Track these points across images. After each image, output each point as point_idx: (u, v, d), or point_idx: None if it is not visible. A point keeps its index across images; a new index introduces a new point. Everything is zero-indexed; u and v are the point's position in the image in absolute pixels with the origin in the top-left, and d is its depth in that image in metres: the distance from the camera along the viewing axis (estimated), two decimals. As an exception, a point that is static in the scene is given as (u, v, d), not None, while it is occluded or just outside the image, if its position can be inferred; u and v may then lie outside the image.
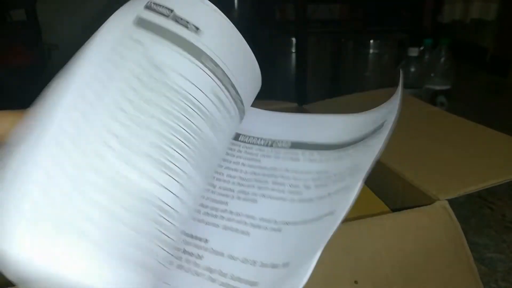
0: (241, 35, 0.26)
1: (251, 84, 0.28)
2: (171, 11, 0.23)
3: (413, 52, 1.03)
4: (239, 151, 0.31)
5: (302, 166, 0.29)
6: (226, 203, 0.28)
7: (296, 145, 0.31)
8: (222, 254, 0.25)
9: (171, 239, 0.22)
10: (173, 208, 0.22)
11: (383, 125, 0.27)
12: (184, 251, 0.26)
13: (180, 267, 0.25)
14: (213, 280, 0.23)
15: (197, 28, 0.24)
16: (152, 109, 0.21)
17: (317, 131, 0.31)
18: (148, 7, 0.23)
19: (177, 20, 0.23)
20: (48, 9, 1.58)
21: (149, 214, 0.20)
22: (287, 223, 0.25)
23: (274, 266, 0.23)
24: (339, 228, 0.30)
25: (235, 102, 0.26)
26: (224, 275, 0.24)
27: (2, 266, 0.17)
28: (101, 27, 0.22)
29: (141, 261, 0.20)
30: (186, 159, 0.22)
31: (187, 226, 0.25)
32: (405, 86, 1.19)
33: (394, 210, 0.37)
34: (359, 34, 1.31)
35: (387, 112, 0.28)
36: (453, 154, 0.42)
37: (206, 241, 0.26)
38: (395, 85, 0.30)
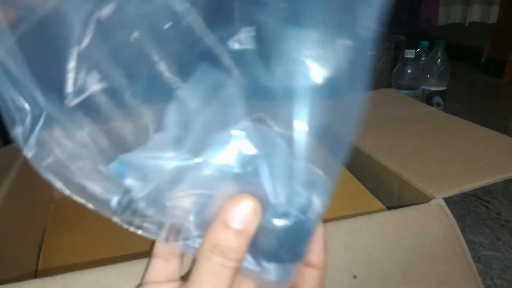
0: None
1: None
2: None
3: (410, 54, 1.04)
4: None
5: None
6: None
7: None
8: None
9: None
10: None
11: None
12: None
13: None
14: None
15: None
16: None
17: None
18: None
19: None
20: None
21: None
22: None
23: None
24: (337, 225, 0.31)
25: None
26: None
27: None
28: None
29: None
30: None
31: None
32: (402, 87, 1.20)
33: (390, 208, 0.37)
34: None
35: None
36: (449, 153, 0.43)
37: None
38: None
